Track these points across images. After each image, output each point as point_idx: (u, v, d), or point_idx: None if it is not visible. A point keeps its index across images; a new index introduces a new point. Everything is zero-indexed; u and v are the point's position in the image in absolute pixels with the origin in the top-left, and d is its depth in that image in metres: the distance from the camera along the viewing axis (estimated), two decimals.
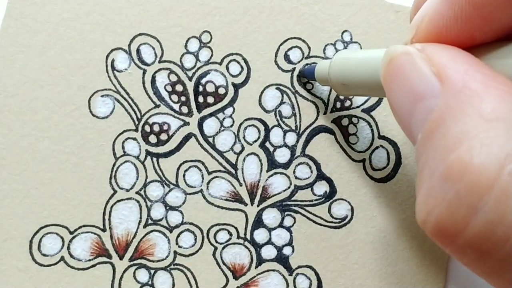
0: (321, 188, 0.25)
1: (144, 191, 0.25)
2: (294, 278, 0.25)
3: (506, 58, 0.14)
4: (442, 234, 0.13)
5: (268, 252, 0.25)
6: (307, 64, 0.25)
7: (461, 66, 0.14)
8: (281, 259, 0.25)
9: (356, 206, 0.25)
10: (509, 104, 0.13)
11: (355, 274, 0.25)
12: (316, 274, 0.25)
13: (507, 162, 0.12)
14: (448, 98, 0.14)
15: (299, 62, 0.25)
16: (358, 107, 0.25)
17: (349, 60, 0.20)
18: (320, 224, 0.25)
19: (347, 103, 0.25)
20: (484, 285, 0.25)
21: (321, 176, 0.25)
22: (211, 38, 0.25)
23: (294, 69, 0.25)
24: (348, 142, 0.25)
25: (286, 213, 0.25)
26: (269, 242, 0.25)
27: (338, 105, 0.25)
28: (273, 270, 0.25)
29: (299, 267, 0.25)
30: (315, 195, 0.25)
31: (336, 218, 0.25)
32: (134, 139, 0.25)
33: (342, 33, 0.25)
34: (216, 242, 0.25)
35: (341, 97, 0.25)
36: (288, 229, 0.25)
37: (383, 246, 0.25)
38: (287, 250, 0.25)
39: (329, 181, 0.25)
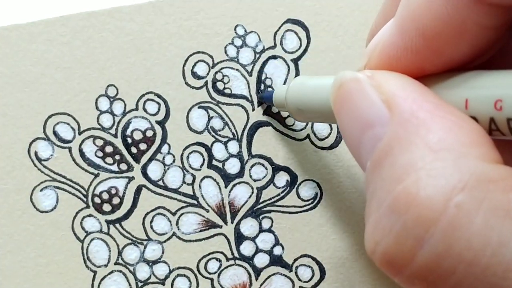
0: (282, 178, 0.25)
1: (122, 259, 0.25)
2: (296, 272, 0.25)
3: (454, 88, 0.14)
4: (390, 265, 0.13)
5: (261, 260, 0.25)
6: (266, 88, 0.25)
7: (409, 94, 0.14)
8: (276, 260, 0.25)
9: (321, 181, 0.25)
10: (456, 135, 0.13)
11: (348, 243, 0.25)
12: (313, 259, 0.25)
13: (453, 194, 0.12)
14: (396, 127, 0.14)
15: (208, 74, 0.25)
16: None
17: (305, 86, 0.20)
18: (296, 212, 0.25)
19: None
20: None
21: (277, 168, 0.25)
22: (117, 89, 0.25)
23: (206, 82, 0.25)
24: (287, 125, 0.25)
25: (261, 217, 0.25)
26: (257, 251, 0.25)
27: None
28: (274, 274, 0.25)
29: (295, 260, 0.25)
30: (279, 188, 0.25)
31: (307, 200, 0.25)
32: (90, 215, 0.25)
33: (235, 28, 0.25)
34: (209, 273, 0.25)
35: (262, 88, 0.25)
36: (270, 230, 0.25)
37: (360, 205, 0.25)
38: (277, 250, 0.25)
39: (286, 169, 0.25)
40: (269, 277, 0.25)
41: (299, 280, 0.25)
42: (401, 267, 0.13)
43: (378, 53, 0.16)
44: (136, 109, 0.25)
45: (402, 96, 0.14)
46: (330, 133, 0.25)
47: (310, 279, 0.25)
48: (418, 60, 0.15)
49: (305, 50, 0.25)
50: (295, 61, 0.25)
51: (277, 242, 0.25)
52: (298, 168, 0.25)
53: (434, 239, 0.12)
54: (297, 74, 0.25)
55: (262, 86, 0.25)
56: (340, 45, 0.25)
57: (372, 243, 0.14)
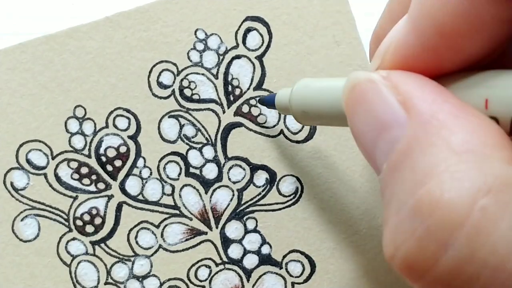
0: (261, 177, 0.25)
1: (111, 278, 0.24)
2: (286, 269, 0.25)
3: (474, 88, 0.14)
4: (411, 270, 0.13)
5: (250, 261, 0.25)
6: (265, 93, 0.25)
7: (428, 95, 0.14)
8: (265, 259, 0.25)
9: (300, 175, 0.25)
10: (480, 137, 0.13)
11: (335, 233, 0.25)
12: (302, 253, 0.25)
13: (478, 197, 0.12)
14: (416, 129, 0.13)
15: (174, 82, 0.25)
16: (248, 89, 0.25)
17: (311, 88, 0.19)
18: (279, 209, 0.25)
19: (237, 91, 0.25)
20: None
21: (255, 168, 0.25)
22: (85, 109, 0.25)
23: (173, 90, 0.25)
24: (259, 124, 0.25)
25: (244, 218, 0.25)
26: (245, 252, 0.25)
27: (231, 98, 0.25)
28: (264, 274, 0.25)
29: (284, 256, 0.25)
30: (259, 187, 0.25)
31: (289, 195, 0.25)
32: (74, 238, 0.24)
33: (195, 33, 0.25)
34: (200, 281, 0.25)
35: (229, 90, 0.25)
36: (255, 230, 0.25)
37: (342, 193, 0.25)
38: (265, 249, 0.25)
39: (264, 168, 0.25)
40: (260, 277, 0.25)
41: (291, 276, 0.25)
42: (423, 272, 0.13)
43: (392, 53, 0.15)
44: (107, 126, 0.25)
45: (420, 97, 0.14)
46: (303, 126, 0.25)
47: (301, 274, 0.25)
48: (435, 58, 0.15)
49: (268, 46, 0.25)
50: (259, 58, 0.25)
51: (264, 241, 0.25)
52: (276, 165, 0.25)
53: (458, 243, 0.12)
54: (262, 71, 0.25)
55: (230, 88, 0.25)
56: (302, 37, 0.25)
57: (391, 247, 0.13)
